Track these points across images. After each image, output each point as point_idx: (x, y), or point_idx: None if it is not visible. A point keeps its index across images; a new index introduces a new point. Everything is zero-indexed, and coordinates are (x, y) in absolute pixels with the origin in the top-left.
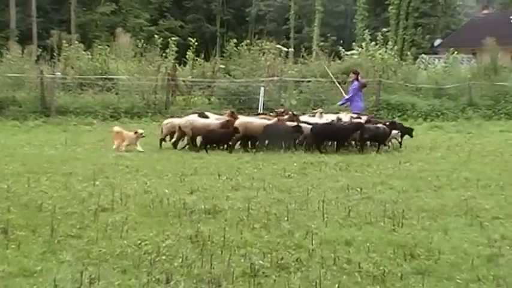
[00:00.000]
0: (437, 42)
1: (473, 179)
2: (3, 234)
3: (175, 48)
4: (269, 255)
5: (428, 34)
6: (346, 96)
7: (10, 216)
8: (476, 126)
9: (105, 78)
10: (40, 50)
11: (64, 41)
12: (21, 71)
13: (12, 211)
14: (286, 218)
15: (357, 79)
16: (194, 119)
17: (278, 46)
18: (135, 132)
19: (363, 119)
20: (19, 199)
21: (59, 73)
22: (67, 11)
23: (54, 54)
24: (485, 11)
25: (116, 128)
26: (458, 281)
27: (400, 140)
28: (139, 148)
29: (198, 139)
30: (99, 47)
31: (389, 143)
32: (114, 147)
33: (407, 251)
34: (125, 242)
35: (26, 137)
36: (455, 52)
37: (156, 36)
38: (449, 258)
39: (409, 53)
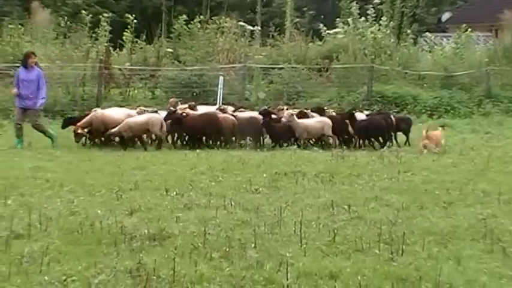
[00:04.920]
0: (446, 16)
1: (494, 193)
2: None
3: (109, 28)
4: None
5: (434, 7)
6: (43, 91)
7: None
8: (496, 124)
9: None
10: None
11: None
12: None
13: None
14: (253, 245)
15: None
16: None
17: (241, 24)
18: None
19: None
20: None
21: None
22: None
23: None
24: None
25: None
26: None
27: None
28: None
29: None
30: (10, 26)
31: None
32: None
33: (410, 286)
34: (46, 278)
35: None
36: (469, 29)
37: (83, 12)
38: None
39: (409, 30)
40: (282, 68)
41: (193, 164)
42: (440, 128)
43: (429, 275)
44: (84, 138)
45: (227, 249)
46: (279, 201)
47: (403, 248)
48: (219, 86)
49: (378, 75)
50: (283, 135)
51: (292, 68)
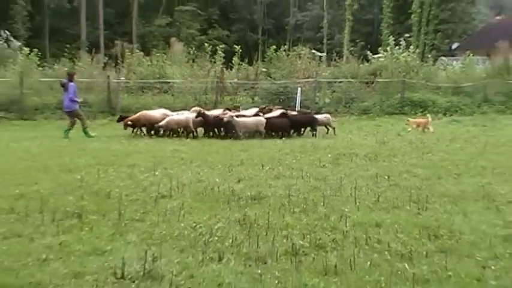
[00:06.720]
0: (455, 45)
1: (489, 167)
2: (78, 218)
3: (223, 55)
4: (308, 236)
5: (447, 38)
6: (74, 97)
7: (83, 203)
8: (490, 120)
9: (162, 82)
10: (106, 58)
11: (127, 50)
12: (91, 76)
13: (85, 198)
14: (322, 203)
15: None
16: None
17: (313, 51)
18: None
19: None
20: (91, 188)
21: (123, 78)
22: (129, 23)
23: (119, 61)
24: (497, 18)
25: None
26: (477, 258)
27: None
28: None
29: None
30: (157, 54)
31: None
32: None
33: (432, 232)
34: (182, 224)
35: (95, 133)
36: (471, 54)
37: (205, 44)
38: (469, 238)
39: (429, 55)
40: (341, 82)
41: (280, 148)
42: (428, 116)
43: (445, 224)
44: (133, 129)
45: (304, 206)
46: (339, 173)
47: (426, 206)
48: (298, 95)
49: (408, 86)
50: (229, 130)
51: (348, 81)
